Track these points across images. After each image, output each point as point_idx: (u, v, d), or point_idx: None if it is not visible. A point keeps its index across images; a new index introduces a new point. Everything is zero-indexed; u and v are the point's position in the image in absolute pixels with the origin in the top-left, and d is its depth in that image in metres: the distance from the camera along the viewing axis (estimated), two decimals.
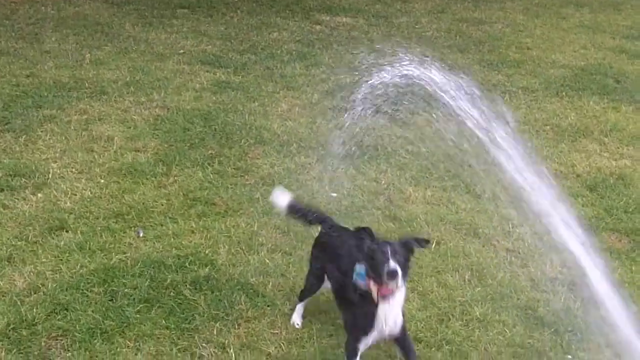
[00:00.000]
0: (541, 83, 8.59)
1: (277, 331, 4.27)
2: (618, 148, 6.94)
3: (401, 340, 3.80)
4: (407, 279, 3.67)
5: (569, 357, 4.21)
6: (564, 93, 8.29)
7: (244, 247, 5.01)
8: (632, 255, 5.23)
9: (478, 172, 6.34)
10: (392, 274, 3.47)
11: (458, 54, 9.60)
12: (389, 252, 3.53)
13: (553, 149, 6.86)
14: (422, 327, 4.40)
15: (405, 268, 3.58)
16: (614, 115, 7.73)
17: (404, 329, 3.79)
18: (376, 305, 3.63)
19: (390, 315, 3.68)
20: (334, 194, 5.71)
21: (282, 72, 8.39)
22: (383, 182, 6.05)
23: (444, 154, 6.60)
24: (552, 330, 4.40)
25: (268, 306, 4.46)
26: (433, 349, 4.22)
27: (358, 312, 3.72)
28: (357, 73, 8.43)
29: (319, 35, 10.09)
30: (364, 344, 3.75)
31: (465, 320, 4.48)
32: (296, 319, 4.33)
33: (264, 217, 5.37)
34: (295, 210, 4.31)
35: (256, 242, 5.07)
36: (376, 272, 3.54)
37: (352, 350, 3.79)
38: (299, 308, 4.35)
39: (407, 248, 3.65)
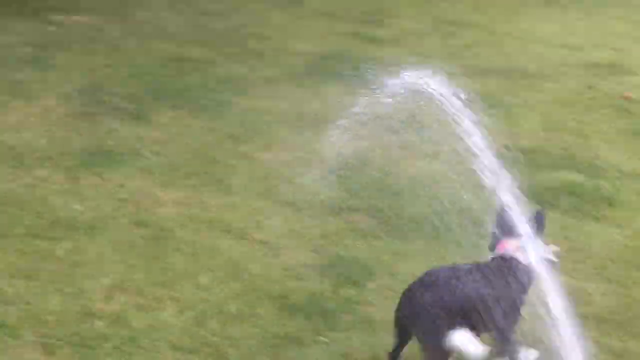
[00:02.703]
0: (283, 72, 8.82)
1: None
2: (358, 130, 7.23)
3: None
4: None
5: (321, 338, 4.36)
6: (305, 80, 8.56)
7: None
8: (376, 231, 5.50)
9: (228, 165, 6.39)
10: None
11: (200, 48, 9.57)
12: None
13: (298, 136, 7.03)
14: (180, 333, 4.34)
15: None
16: (353, 99, 8.02)
17: None
18: None
19: None
20: (78, 207, 5.45)
21: (13, 79, 7.85)
22: (130, 187, 5.87)
23: (191, 152, 6.57)
24: (304, 314, 4.53)
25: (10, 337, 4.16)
26: (192, 354, 4.17)
27: None
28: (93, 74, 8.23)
29: (54, 36, 9.59)
30: None
31: (222, 319, 4.48)
32: None
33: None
34: None
35: None
36: None
37: None
38: None
39: None
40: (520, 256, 3.75)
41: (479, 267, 3.69)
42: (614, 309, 4.75)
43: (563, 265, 5.20)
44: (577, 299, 4.82)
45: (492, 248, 3.88)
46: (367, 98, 8.06)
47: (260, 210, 5.70)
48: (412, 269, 5.02)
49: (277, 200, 5.87)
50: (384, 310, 4.66)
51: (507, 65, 9.65)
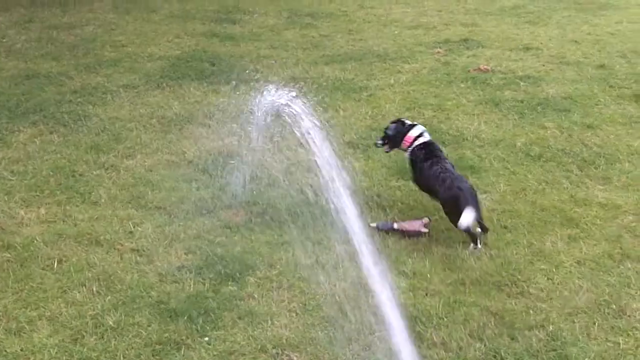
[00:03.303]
0: (141, 78, 8.60)
1: None
2: (222, 128, 7.20)
3: None
4: None
5: (206, 339, 4.28)
6: (164, 84, 8.39)
7: None
8: (250, 225, 5.46)
9: (92, 177, 6.18)
10: None
11: (52, 62, 9.21)
12: None
13: (162, 140, 6.91)
14: (56, 353, 4.16)
15: None
16: (215, 98, 8.02)
17: None
18: None
19: None
20: None
21: None
22: None
23: (53, 168, 6.31)
24: (186, 317, 4.43)
25: None
26: None
27: None
28: None
29: None
30: None
31: (100, 333, 4.33)
32: None
33: None
34: None
35: None
36: None
37: None
38: None
39: None
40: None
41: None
42: (490, 272, 4.91)
43: (435, 235, 5.36)
44: (452, 266, 4.98)
45: (396, 144, 5.75)
46: (227, 96, 8.05)
47: (130, 218, 5.54)
48: (290, 257, 5.06)
49: (146, 207, 5.73)
50: (266, 301, 4.64)
51: (365, 51, 9.81)
